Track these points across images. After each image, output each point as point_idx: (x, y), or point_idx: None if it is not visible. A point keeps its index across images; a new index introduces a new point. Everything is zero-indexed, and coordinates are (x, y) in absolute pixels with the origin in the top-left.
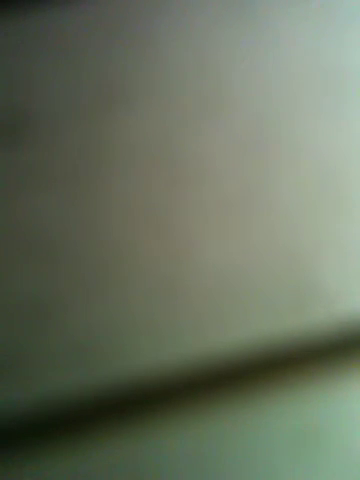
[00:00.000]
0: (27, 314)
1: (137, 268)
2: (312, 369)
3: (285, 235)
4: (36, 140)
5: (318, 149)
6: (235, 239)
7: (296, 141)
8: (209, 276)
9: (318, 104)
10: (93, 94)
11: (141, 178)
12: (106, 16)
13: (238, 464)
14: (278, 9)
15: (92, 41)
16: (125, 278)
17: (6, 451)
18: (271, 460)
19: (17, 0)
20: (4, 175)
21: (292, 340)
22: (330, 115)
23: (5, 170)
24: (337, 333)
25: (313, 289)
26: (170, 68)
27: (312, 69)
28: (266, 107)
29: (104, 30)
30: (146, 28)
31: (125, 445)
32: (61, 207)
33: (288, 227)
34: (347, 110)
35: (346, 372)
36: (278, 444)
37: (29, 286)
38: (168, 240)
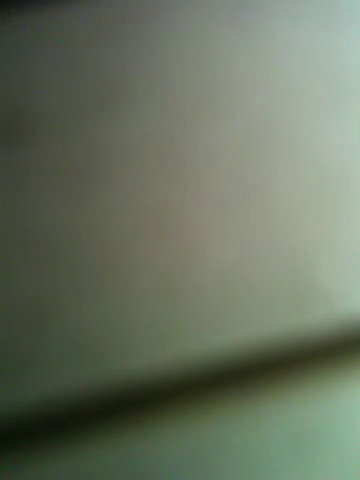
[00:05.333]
0: (26, 314)
1: (136, 268)
2: (312, 370)
3: (285, 235)
4: (36, 140)
5: (318, 149)
6: (235, 239)
7: (296, 141)
8: (208, 276)
9: (318, 104)
10: (93, 94)
11: (141, 178)
12: (106, 16)
13: (237, 465)
14: (278, 9)
15: (92, 41)
16: (124, 278)
17: (6, 451)
18: (270, 461)
19: (17, 0)
20: (4, 175)
21: (292, 340)
22: (330, 115)
23: (5, 170)
24: (337, 334)
25: (313, 289)
26: (170, 68)
27: (312, 69)
28: (266, 107)
29: (104, 30)
30: (146, 28)
31: (125, 445)
32: (60, 207)
33: (288, 227)
34: (347, 110)
35: (346, 373)
36: (277, 445)
37: (28, 286)
38: (167, 240)
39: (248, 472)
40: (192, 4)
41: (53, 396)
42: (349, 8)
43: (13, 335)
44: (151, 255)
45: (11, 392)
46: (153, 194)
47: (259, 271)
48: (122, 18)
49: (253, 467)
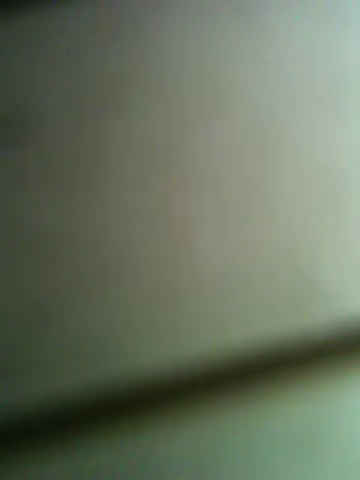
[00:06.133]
0: (26, 314)
1: (136, 268)
2: (312, 369)
3: (284, 235)
4: (36, 140)
5: (317, 149)
6: (234, 239)
7: (295, 141)
8: (208, 276)
9: (317, 104)
10: (93, 94)
11: (141, 177)
12: (106, 16)
13: (237, 465)
14: (278, 9)
15: (92, 41)
16: (124, 278)
17: (6, 451)
18: (270, 461)
19: (17, 0)
20: (4, 174)
21: (291, 340)
22: (329, 115)
23: (5, 169)
24: (336, 333)
25: (312, 289)
26: (170, 68)
27: (312, 69)
28: (265, 107)
29: (104, 30)
30: (146, 28)
31: (125, 445)
32: (60, 207)
33: (287, 227)
34: (346, 110)
35: (346, 372)
36: (277, 444)
37: (28, 286)
38: (167, 240)
39: (248, 472)
40: (192, 4)
41: (53, 396)
42: (349, 8)
43: (13, 335)
44: (151, 255)
45: (11, 392)
46: (153, 194)
47: (259, 271)
48: (122, 18)
49: (253, 467)
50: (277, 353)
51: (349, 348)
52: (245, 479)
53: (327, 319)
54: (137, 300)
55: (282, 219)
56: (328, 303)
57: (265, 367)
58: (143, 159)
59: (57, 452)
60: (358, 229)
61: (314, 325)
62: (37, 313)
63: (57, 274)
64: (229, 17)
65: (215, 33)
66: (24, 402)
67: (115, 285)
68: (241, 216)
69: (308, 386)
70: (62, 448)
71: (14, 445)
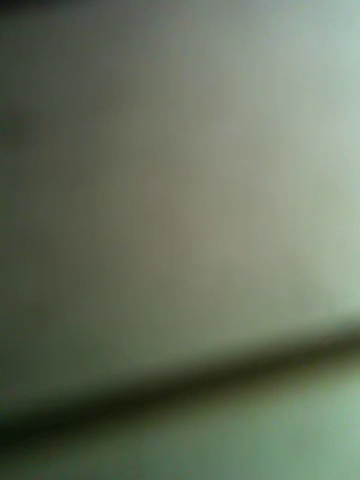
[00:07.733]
0: (26, 314)
1: (137, 268)
2: (313, 369)
3: (286, 235)
4: (36, 140)
5: (319, 149)
6: (236, 239)
7: (297, 141)
8: (210, 276)
9: (319, 104)
10: (93, 94)
11: (141, 178)
12: (106, 16)
13: (238, 464)
14: (279, 9)
15: (92, 41)
16: (125, 278)
17: (6, 451)
18: (271, 460)
19: (17, 0)
20: (4, 175)
21: (293, 340)
22: (330, 115)
23: (5, 170)
24: (338, 333)
25: (314, 289)
26: (170, 68)
27: (312, 69)
28: (267, 107)
29: (104, 30)
30: (146, 28)
31: (125, 445)
32: (61, 207)
33: (289, 227)
34: (347, 110)
35: (347, 372)
36: (278, 444)
37: (28, 286)
38: (168, 240)
39: (249, 472)
40: (192, 4)
41: (53, 396)
42: (349, 8)
43: (13, 335)
44: (152, 255)
45: (11, 392)
46: (154, 193)
47: (260, 271)
48: (122, 18)
49: (254, 467)
50: (279, 352)
51: (351, 348)
52: (246, 479)
53: (329, 319)
54: (138, 300)
55: (284, 219)
56: (330, 303)
57: (267, 366)
58: (144, 159)
59: (57, 452)
60: None
61: (316, 325)
62: (37, 313)
63: (57, 274)
64: (230, 17)
65: (216, 33)
66: (24, 402)
67: (116, 285)
68: (243, 216)
69: (310, 386)
70: (62, 448)
71: (14, 445)
